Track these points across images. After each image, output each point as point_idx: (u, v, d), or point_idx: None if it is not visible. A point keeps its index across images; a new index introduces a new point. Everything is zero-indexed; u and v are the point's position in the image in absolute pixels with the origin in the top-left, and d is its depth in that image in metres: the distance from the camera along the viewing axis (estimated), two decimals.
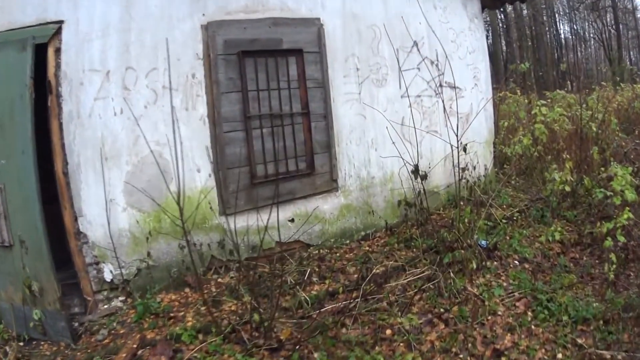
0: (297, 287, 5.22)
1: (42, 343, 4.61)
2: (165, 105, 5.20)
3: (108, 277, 5.15)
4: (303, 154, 5.88)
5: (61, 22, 4.91)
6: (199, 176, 5.40)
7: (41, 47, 4.78)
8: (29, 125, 4.57)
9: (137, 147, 5.14)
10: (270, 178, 5.53)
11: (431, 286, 5.08)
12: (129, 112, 5.12)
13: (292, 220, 5.82)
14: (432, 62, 7.21)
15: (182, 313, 4.90)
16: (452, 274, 5.18)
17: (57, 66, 4.96)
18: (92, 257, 5.13)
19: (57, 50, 4.94)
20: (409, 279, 5.33)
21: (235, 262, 5.42)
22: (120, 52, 5.14)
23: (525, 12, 27.21)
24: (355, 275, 5.35)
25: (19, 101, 4.64)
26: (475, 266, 5.31)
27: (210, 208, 5.41)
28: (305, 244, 5.92)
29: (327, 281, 5.34)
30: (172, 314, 4.84)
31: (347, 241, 6.24)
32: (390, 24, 6.73)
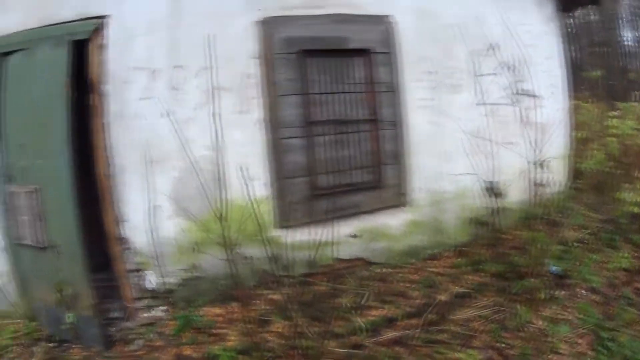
0: (353, 310, 4.45)
1: (73, 347, 4.18)
2: (218, 107, 4.36)
3: (150, 285, 4.49)
4: (369, 164, 4.96)
5: (104, 17, 4.33)
6: (254, 185, 4.53)
7: (82, 44, 4.27)
8: (65, 125, 3.97)
9: (187, 151, 4.36)
10: (333, 190, 4.74)
11: (496, 317, 4.33)
12: (177, 114, 4.39)
13: (354, 236, 4.96)
14: (508, 68, 6.27)
15: (225, 330, 4.24)
16: (519, 305, 4.41)
17: (100, 63, 4.31)
18: (134, 264, 4.46)
19: (100, 47, 4.31)
20: (474, 309, 4.54)
21: (289, 277, 4.64)
22: (168, 49, 4.43)
23: (592, 17, 25.34)
24: (418, 301, 4.58)
25: (55, 100, 4.05)
26: (543, 296, 4.52)
27: (265, 220, 4.59)
28: (367, 262, 5.03)
29: (386, 306, 4.53)
30: (214, 330, 4.23)
31: (413, 260, 5.33)
32: (465, 24, 5.68)
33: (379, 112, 5.00)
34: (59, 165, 4.09)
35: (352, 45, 4.93)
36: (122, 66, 4.42)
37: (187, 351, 4.00)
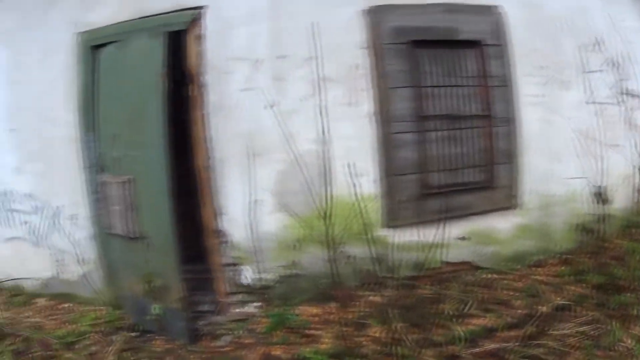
0: (454, 318, 3.96)
1: (157, 338, 3.97)
2: (324, 99, 3.97)
3: (245, 280, 4.13)
4: (481, 163, 4.42)
5: (202, 7, 4.03)
6: (362, 181, 4.12)
7: (177, 35, 4.04)
8: (161, 117, 3.64)
9: (291, 144, 3.99)
10: (443, 189, 4.25)
11: (593, 333, 3.78)
12: (281, 105, 3.98)
13: (462, 239, 4.45)
14: (613, 65, 5.69)
15: (320, 332, 3.82)
16: (614, 321, 3.83)
17: (199, 54, 3.96)
18: (230, 258, 4.11)
19: (198, 38, 3.97)
20: (573, 324, 4.06)
21: (392, 279, 4.14)
22: (271, 39, 4.03)
23: None
24: (519, 311, 4.03)
25: (150, 91, 3.71)
26: (636, 313, 3.89)
27: (372, 219, 4.18)
28: (474, 266, 4.53)
29: (488, 315, 4.00)
30: (307, 331, 3.83)
31: (518, 266, 4.77)
32: (570, 16, 5.05)
33: (492, 108, 4.45)
34: (154, 156, 3.76)
35: (462, 37, 4.39)
36: (221, 57, 4.03)
37: (277, 351, 3.61)
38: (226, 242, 4.12)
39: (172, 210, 3.75)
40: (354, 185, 4.01)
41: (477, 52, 4.44)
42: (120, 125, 4.07)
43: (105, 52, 4.28)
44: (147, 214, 3.97)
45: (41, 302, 5.04)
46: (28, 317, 4.66)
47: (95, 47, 4.37)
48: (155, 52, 3.78)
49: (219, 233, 4.10)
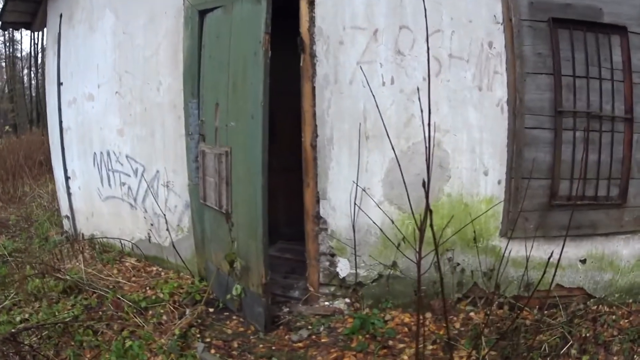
0: (550, 358, 2.87)
1: (233, 318, 3.41)
2: (452, 80, 3.03)
3: (341, 273, 3.30)
4: (615, 176, 3.23)
5: None
6: (484, 180, 3.16)
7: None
8: (260, 87, 2.79)
9: (409, 129, 3.05)
10: (573, 201, 3.13)
11: None
12: (402, 83, 3.03)
13: (583, 262, 3.34)
14: None
15: (403, 345, 2.98)
16: None
17: (311, 21, 3.08)
18: (328, 247, 3.28)
19: (311, 3, 3.08)
20: None
21: (498, 296, 3.20)
22: (392, 6, 3.06)
23: None
24: (615, 358, 2.98)
25: (252, 59, 2.86)
26: None
27: (489, 225, 3.22)
28: (586, 294, 3.42)
29: (584, 358, 2.89)
30: (390, 342, 3.00)
31: (631, 300, 3.54)
32: None
33: (634, 110, 3.23)
34: (252, 129, 2.93)
35: (606, 20, 3.24)
36: (336, 25, 3.12)
37: (350, 358, 2.86)
38: (326, 229, 3.33)
39: (264, 188, 2.95)
40: (477, 184, 3.14)
41: (623, 40, 3.28)
42: (223, 94, 3.28)
43: (211, 16, 3.53)
44: (239, 190, 3.19)
45: (129, 262, 4.50)
46: (111, 275, 4.13)
47: (203, 11, 3.60)
48: (257, 17, 2.91)
49: (319, 219, 3.33)
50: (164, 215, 4.09)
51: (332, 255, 3.35)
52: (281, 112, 4.00)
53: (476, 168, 3.05)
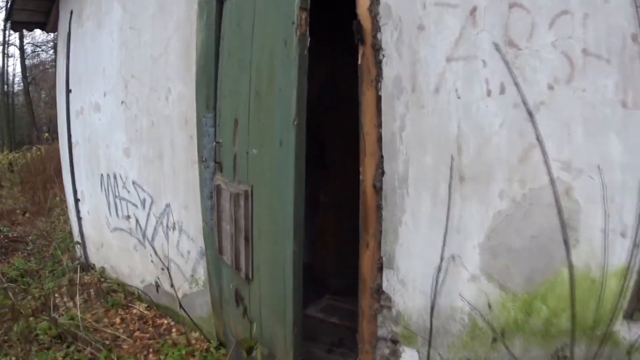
0: None
1: None
2: (588, 89, 1.68)
3: None
4: None
5: None
6: (621, 245, 1.73)
7: None
8: (294, 95, 1.61)
9: (527, 166, 1.76)
10: None
11: None
12: (516, 93, 1.74)
13: None
14: None
15: None
16: None
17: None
18: (389, 332, 2.08)
19: None
20: None
21: None
22: None
23: None
24: None
25: (281, 52, 1.69)
26: None
27: (612, 304, 1.76)
28: None
29: None
30: None
31: None
32: None
33: None
34: (280, 160, 1.78)
35: None
36: (412, 1, 1.93)
37: None
38: (389, 308, 2.12)
39: (297, 255, 1.83)
40: (609, 249, 1.81)
41: None
42: (243, 106, 2.14)
43: (232, 2, 2.42)
44: (262, 249, 2.07)
45: (138, 308, 3.49)
46: (113, 325, 3.22)
47: None
48: None
49: (381, 294, 2.12)
50: (179, 261, 3.01)
51: (395, 342, 2.15)
52: (330, 131, 2.82)
53: (613, 227, 1.72)
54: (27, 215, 6.60)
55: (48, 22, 4.72)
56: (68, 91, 4.05)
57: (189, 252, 2.95)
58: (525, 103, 1.79)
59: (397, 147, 1.93)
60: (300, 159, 1.69)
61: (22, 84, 15.28)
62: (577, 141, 1.74)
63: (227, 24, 2.41)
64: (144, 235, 3.31)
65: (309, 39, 1.73)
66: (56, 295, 3.67)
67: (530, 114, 1.80)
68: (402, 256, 2.03)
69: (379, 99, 1.96)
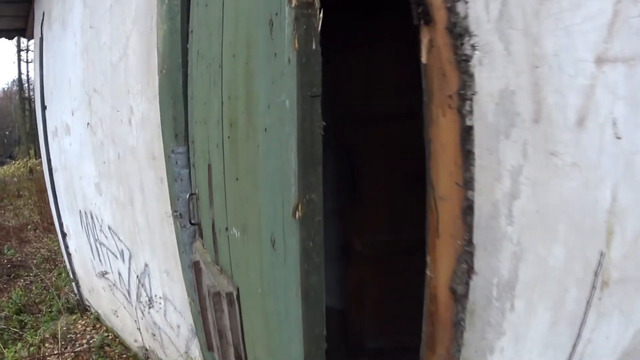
0: None
1: None
2: None
3: None
4: None
5: None
6: None
7: None
8: (293, 144, 0.65)
9: None
10: None
11: None
12: None
13: None
14: None
15: None
16: None
17: None
18: None
19: None
20: None
21: None
22: None
23: None
24: None
25: (263, 45, 0.69)
26: None
27: None
28: None
29: None
30: None
31: None
32: None
33: None
34: (277, 262, 0.77)
35: None
36: None
37: None
38: None
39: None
40: None
41: None
42: (214, 141, 1.22)
43: None
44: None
45: None
46: None
47: None
48: None
49: None
50: (168, 331, 2.14)
51: None
52: (367, 149, 1.85)
53: None
54: (37, 231, 6.05)
55: (27, 28, 3.91)
56: (43, 108, 3.21)
57: (178, 326, 2.07)
58: None
59: (503, 228, 0.93)
60: (316, 281, 0.72)
61: None
62: None
63: (195, 5, 1.44)
64: (128, 292, 2.46)
65: (321, 12, 0.75)
66: (47, 345, 3.13)
67: None
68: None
69: (466, 133, 0.95)
